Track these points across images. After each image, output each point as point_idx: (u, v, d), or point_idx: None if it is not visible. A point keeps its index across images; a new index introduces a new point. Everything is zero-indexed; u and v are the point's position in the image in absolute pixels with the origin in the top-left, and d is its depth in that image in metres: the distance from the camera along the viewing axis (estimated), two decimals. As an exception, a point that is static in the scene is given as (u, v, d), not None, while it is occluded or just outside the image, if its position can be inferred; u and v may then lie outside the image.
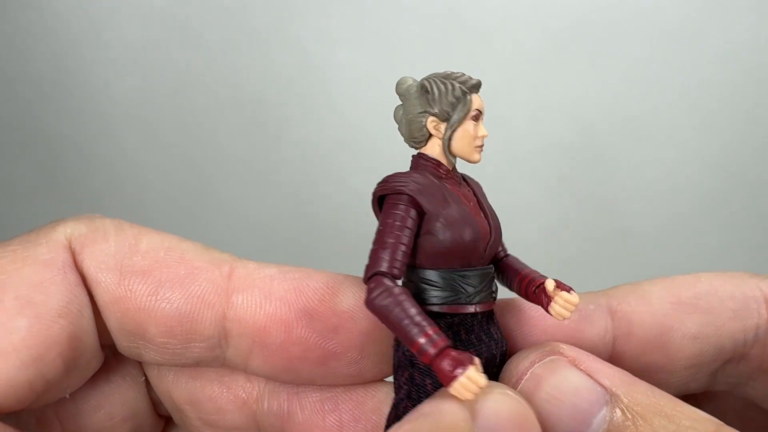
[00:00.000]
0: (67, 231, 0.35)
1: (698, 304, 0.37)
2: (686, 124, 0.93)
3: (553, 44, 0.92)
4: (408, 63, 0.93)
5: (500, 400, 0.30)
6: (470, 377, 0.28)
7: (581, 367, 0.33)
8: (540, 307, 0.35)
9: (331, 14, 0.93)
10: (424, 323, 0.30)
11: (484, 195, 0.37)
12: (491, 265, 0.36)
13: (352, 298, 0.36)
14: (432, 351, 0.29)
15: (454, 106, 0.35)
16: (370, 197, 0.36)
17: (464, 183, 0.37)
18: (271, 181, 0.98)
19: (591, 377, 0.32)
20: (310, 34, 0.94)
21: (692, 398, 0.43)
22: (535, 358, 0.34)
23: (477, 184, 0.38)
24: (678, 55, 0.91)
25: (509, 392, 0.30)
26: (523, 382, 0.33)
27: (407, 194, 0.34)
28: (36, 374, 0.31)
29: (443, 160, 0.36)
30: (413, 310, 0.30)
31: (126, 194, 1.00)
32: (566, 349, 0.34)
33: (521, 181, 0.94)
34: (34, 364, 0.31)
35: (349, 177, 0.96)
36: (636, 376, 0.34)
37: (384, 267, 0.32)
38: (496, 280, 0.36)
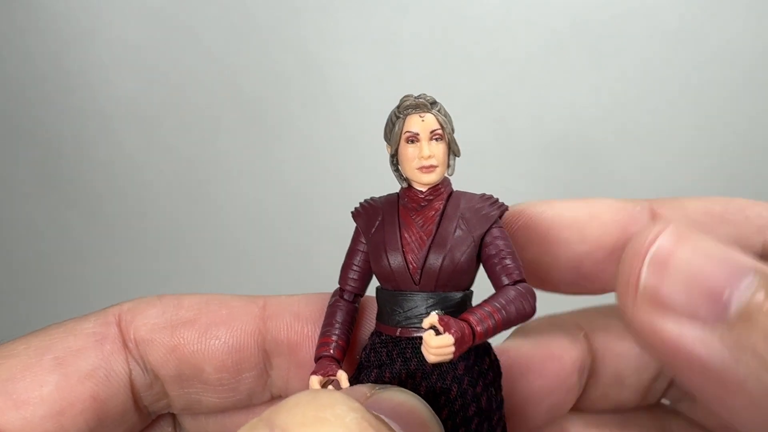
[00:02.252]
0: (116, 310, 0.40)
1: (727, 217, 0.40)
2: (686, 124, 0.93)
3: (553, 44, 0.92)
4: (408, 63, 0.93)
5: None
6: (311, 381, 0.34)
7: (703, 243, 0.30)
8: (589, 205, 0.40)
9: (332, 14, 0.93)
10: (326, 330, 0.37)
11: (462, 220, 0.36)
12: (435, 292, 0.35)
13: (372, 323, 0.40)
14: (315, 354, 0.36)
15: (391, 132, 0.37)
16: (370, 197, 0.39)
17: (436, 207, 0.36)
18: (271, 181, 0.98)
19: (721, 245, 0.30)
20: (310, 34, 0.94)
21: None
22: (657, 230, 0.31)
23: (470, 208, 0.36)
24: (678, 55, 0.91)
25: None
26: (649, 255, 0.30)
27: (353, 216, 0.38)
28: (57, 427, 0.35)
29: (414, 185, 0.37)
30: (329, 320, 0.37)
31: (126, 194, 1.00)
32: (685, 228, 0.31)
33: (521, 181, 0.94)
34: (56, 416, 0.35)
35: (349, 177, 0.96)
36: None
37: (340, 283, 0.38)
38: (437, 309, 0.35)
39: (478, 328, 0.32)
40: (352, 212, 0.38)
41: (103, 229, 1.01)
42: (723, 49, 0.90)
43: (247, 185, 0.98)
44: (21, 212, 1.01)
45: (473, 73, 0.93)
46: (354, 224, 0.39)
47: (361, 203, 0.39)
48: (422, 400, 0.33)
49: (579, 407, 0.43)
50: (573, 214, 0.41)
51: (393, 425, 0.29)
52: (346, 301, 0.38)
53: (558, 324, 0.42)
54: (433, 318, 0.31)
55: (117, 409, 0.38)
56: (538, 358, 0.40)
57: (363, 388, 0.33)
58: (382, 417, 0.29)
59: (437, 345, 0.31)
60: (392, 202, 0.37)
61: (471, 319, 0.32)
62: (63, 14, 0.95)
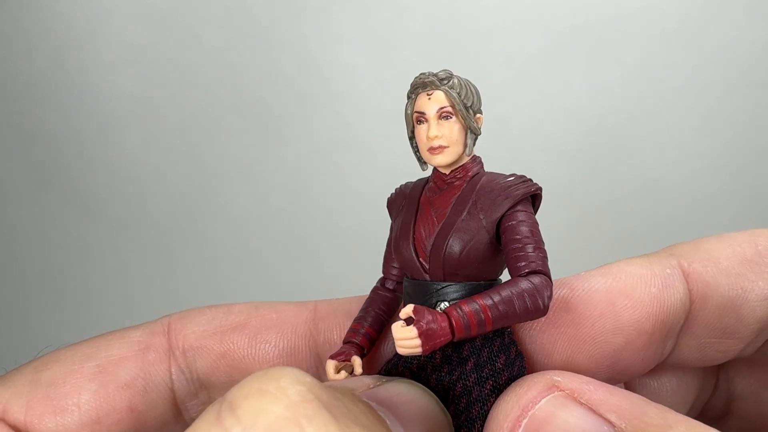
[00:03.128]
0: (166, 319, 0.40)
1: (764, 262, 0.35)
2: (687, 124, 0.93)
3: (555, 44, 0.92)
4: (408, 63, 0.93)
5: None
6: (327, 364, 0.34)
7: (582, 400, 0.29)
8: (620, 280, 0.34)
9: (332, 14, 0.93)
10: (359, 316, 0.36)
11: (475, 203, 0.34)
12: (445, 282, 0.33)
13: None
14: (344, 339, 0.36)
15: (405, 115, 0.35)
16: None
17: (456, 190, 0.34)
18: (271, 181, 0.98)
19: (595, 412, 0.29)
20: (310, 34, 0.94)
21: (724, 375, 0.42)
22: (531, 397, 0.30)
23: (490, 189, 0.34)
24: (679, 56, 0.91)
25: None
26: (521, 429, 0.29)
27: (387, 204, 0.37)
28: None
29: (440, 168, 0.35)
30: (365, 307, 0.37)
31: (126, 194, 0.99)
32: (563, 380, 0.30)
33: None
34: (92, 425, 0.36)
35: (349, 177, 0.96)
36: (710, 343, 0.32)
37: (383, 272, 0.37)
38: (446, 300, 0.33)
39: (458, 323, 0.30)
40: (387, 200, 0.37)
41: (103, 229, 1.01)
42: (723, 49, 0.90)
43: (247, 184, 0.98)
44: (21, 212, 1.01)
45: (473, 73, 0.92)
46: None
47: (395, 189, 0.37)
48: (430, 392, 0.32)
49: (667, 363, 0.38)
50: (602, 298, 0.34)
51: (382, 411, 0.28)
52: (386, 289, 0.37)
53: (652, 258, 0.37)
54: (408, 309, 0.30)
55: (155, 420, 0.38)
56: (604, 295, 0.34)
57: (367, 379, 0.32)
58: (372, 404, 0.28)
59: (399, 337, 0.30)
60: (419, 187, 0.36)
61: (453, 312, 0.30)
62: (63, 14, 0.95)
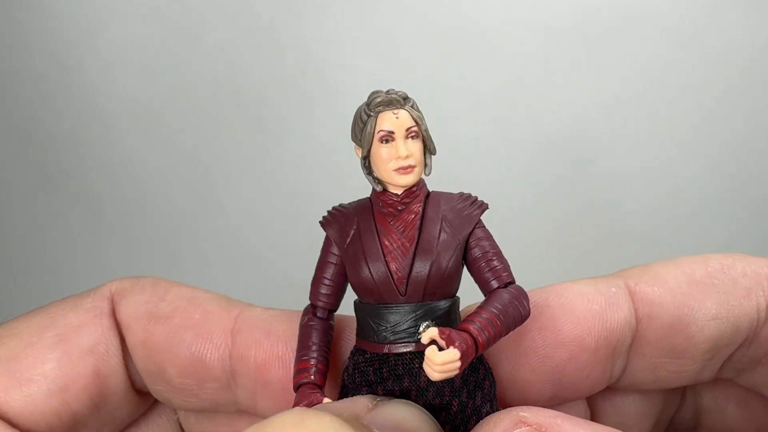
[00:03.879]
0: (113, 286, 0.40)
1: (713, 282, 0.36)
2: (686, 124, 0.93)
3: (553, 44, 0.92)
4: (408, 63, 0.93)
5: None
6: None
7: None
8: (563, 297, 0.34)
9: (332, 14, 0.93)
10: (302, 353, 0.34)
11: (445, 222, 0.33)
12: (422, 303, 0.32)
13: (351, 340, 0.37)
14: (293, 382, 0.34)
15: (362, 132, 0.34)
16: (339, 204, 0.37)
17: (415, 210, 0.34)
18: (271, 181, 0.98)
19: None
20: (310, 34, 0.94)
21: (690, 389, 0.42)
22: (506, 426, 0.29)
23: (452, 209, 0.34)
24: (678, 55, 0.91)
25: None
26: None
27: (322, 226, 0.36)
28: (62, 403, 0.35)
29: (389, 188, 0.34)
30: (304, 342, 0.34)
31: (126, 194, 0.99)
32: (529, 416, 0.29)
33: (519, 180, 0.94)
34: (60, 393, 0.35)
35: (349, 177, 0.95)
36: (661, 363, 0.33)
37: (311, 299, 0.36)
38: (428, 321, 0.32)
39: (480, 338, 0.30)
40: (320, 221, 0.36)
41: (103, 228, 1.01)
42: (723, 49, 0.90)
43: (247, 184, 0.98)
44: (21, 212, 1.01)
45: (473, 73, 0.92)
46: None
47: (329, 211, 0.36)
48: (427, 413, 0.31)
49: (620, 384, 0.39)
50: (543, 313, 0.35)
51: None
52: (320, 318, 0.35)
53: (599, 279, 0.37)
54: (433, 332, 0.29)
55: (119, 386, 0.38)
56: (545, 309, 0.35)
57: (364, 399, 0.31)
58: None
59: (443, 361, 0.28)
60: (366, 208, 0.35)
61: (471, 328, 0.30)
62: (64, 13, 0.95)
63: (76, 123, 0.98)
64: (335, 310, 0.37)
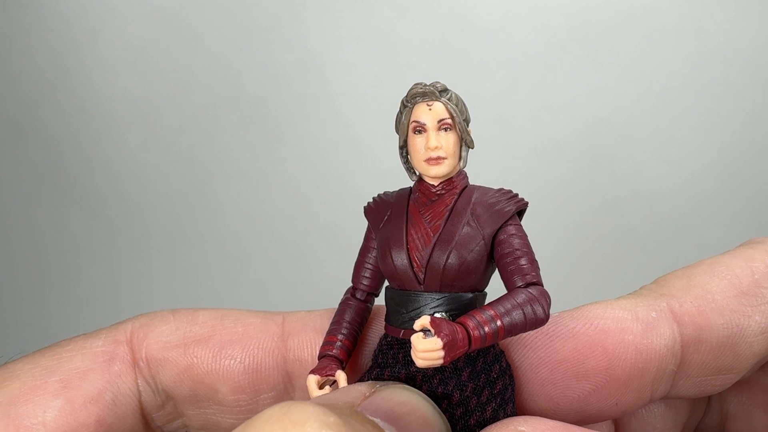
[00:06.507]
0: (128, 326, 0.38)
1: (761, 293, 0.34)
2: (686, 123, 0.93)
3: (554, 44, 0.92)
4: (408, 63, 0.93)
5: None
6: (308, 380, 0.34)
7: None
8: (593, 326, 0.33)
9: (332, 14, 0.93)
10: (332, 328, 0.36)
11: (473, 216, 0.34)
12: (441, 293, 0.33)
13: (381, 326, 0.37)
14: (319, 352, 0.35)
15: (399, 122, 0.35)
16: (369, 197, 0.37)
17: (447, 201, 0.34)
18: (271, 181, 0.98)
19: None
20: (310, 34, 0.94)
21: (717, 394, 0.41)
22: None
23: (483, 203, 0.34)
24: (678, 55, 0.91)
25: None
26: None
27: (364, 212, 0.37)
28: None
29: (425, 178, 0.35)
30: (337, 318, 0.36)
31: (126, 194, 1.00)
32: (527, 429, 0.29)
33: (520, 180, 0.94)
34: None
35: (349, 177, 0.96)
36: (707, 380, 0.32)
37: (353, 281, 0.37)
38: (443, 310, 0.33)
39: (475, 333, 0.30)
40: (364, 207, 0.37)
41: (103, 229, 1.01)
42: (723, 49, 0.90)
43: (247, 184, 0.98)
44: (21, 212, 1.01)
45: (473, 73, 0.93)
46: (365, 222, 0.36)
47: (373, 198, 0.37)
48: (426, 397, 0.31)
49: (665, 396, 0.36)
50: (566, 345, 0.33)
51: (388, 428, 0.27)
52: (357, 300, 0.36)
53: (639, 299, 0.35)
54: (424, 320, 0.29)
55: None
56: (569, 341, 0.33)
57: (362, 387, 0.31)
58: (377, 421, 0.27)
59: (424, 349, 0.29)
60: (403, 197, 0.36)
61: (468, 322, 0.30)
62: (64, 14, 0.95)
63: (76, 123, 0.98)
64: (376, 294, 0.37)
